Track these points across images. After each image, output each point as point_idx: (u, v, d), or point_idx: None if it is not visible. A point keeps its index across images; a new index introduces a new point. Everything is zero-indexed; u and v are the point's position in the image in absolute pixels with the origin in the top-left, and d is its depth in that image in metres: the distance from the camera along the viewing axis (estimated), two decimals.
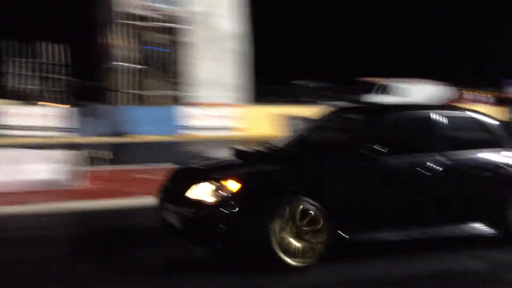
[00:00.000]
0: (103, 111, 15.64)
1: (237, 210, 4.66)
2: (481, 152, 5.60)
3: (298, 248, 4.71)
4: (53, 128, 17.48)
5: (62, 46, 23.51)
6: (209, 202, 4.71)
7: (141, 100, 23.29)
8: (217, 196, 4.70)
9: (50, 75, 23.65)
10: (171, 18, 23.53)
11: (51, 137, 16.22)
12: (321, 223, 4.75)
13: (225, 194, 4.69)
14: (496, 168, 5.52)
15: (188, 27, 23.28)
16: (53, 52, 23.62)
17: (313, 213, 4.74)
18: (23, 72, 24.82)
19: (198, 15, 23.14)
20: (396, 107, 6.67)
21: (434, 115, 5.54)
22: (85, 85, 25.40)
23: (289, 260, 4.66)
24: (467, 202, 5.40)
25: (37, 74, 24.49)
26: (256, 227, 4.61)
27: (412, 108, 6.29)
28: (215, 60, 22.93)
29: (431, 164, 5.23)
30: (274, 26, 35.35)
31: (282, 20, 37.83)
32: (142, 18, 23.25)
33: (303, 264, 4.75)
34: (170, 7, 23.33)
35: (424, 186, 5.26)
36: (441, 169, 5.24)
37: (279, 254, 4.64)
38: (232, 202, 4.68)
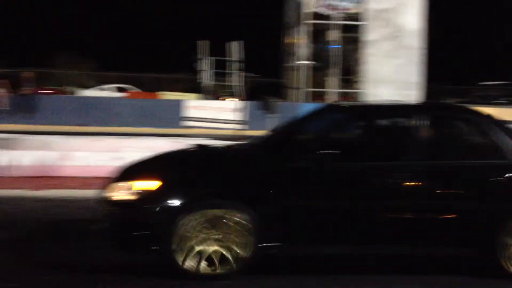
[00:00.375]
0: (279, 106, 16.39)
1: (146, 211, 4.31)
2: (469, 163, 4.67)
3: (212, 255, 4.26)
4: (230, 121, 18.69)
5: (246, 44, 25.09)
6: (121, 201, 4.39)
7: (317, 97, 23.86)
8: (130, 194, 4.36)
9: (235, 72, 25.44)
10: (351, 16, 23.66)
11: (229, 129, 17.34)
12: (247, 231, 4.25)
13: (139, 193, 4.33)
14: (485, 183, 4.56)
15: (367, 24, 23.15)
16: (239, 50, 25.34)
17: (236, 219, 4.25)
18: (212, 69, 27.06)
19: (376, 11, 22.87)
20: (372, 107, 5.69)
21: (417, 118, 4.68)
22: (265, 81, 26.85)
23: (190, 267, 4.26)
24: (440, 221, 4.52)
25: (225, 70, 26.57)
26: (164, 230, 4.22)
27: (391, 109, 5.38)
28: (392, 57, 22.43)
29: (396, 175, 4.51)
30: (452, 22, 33.26)
31: (461, 14, 35.41)
32: (324, 17, 23.75)
33: (217, 273, 4.29)
34: (351, 5, 23.46)
35: (381, 199, 4.50)
36: (409, 181, 4.48)
37: (182, 260, 4.23)
38: (143, 202, 4.32)
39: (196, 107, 19.48)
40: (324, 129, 4.86)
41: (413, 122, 4.70)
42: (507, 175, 4.53)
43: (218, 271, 4.26)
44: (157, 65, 33.95)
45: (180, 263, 4.23)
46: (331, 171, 4.44)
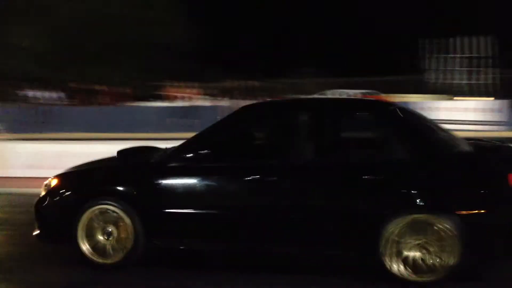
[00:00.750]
0: None
1: (47, 206, 4.93)
2: (352, 160, 4.45)
3: (106, 247, 4.76)
4: (477, 122, 17.45)
5: (488, 39, 23.35)
6: (41, 196, 5.07)
7: None
8: (44, 190, 5.06)
9: (475, 69, 23.81)
10: None
11: (476, 131, 16.13)
12: (128, 225, 4.68)
13: (46, 190, 5.03)
14: (365, 181, 4.32)
15: None
16: (477, 46, 23.68)
17: (119, 215, 4.71)
18: (444, 67, 25.75)
19: None
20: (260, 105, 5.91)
21: (306, 115, 4.74)
22: None
23: (94, 258, 4.78)
24: (316, 220, 4.37)
25: (459, 68, 25.07)
26: (62, 224, 4.86)
27: (274, 105, 5.76)
28: None
29: (266, 174, 4.50)
30: None
31: None
32: None
33: (109, 263, 4.75)
34: None
35: (249, 198, 4.54)
36: (280, 180, 4.47)
37: (84, 251, 4.78)
38: (46, 198, 4.96)
39: (447, 109, 18.48)
40: (215, 129, 4.93)
41: (302, 119, 4.74)
42: (386, 172, 4.31)
43: (108, 261, 4.76)
44: (378, 67, 33.58)
45: (82, 249, 4.79)
46: (202, 170, 4.64)
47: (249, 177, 4.56)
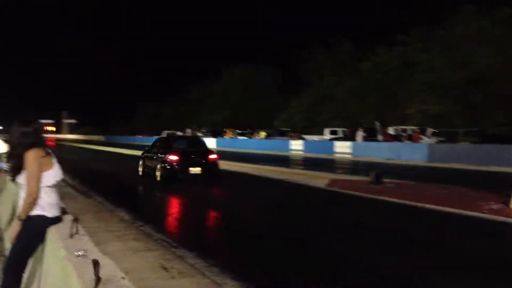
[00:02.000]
0: None
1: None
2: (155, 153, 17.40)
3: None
4: None
5: None
6: None
7: None
8: None
9: None
10: None
11: None
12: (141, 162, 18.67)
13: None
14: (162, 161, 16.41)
15: None
16: None
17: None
18: None
19: None
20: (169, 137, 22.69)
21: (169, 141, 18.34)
22: None
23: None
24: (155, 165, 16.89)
25: None
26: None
27: (166, 138, 19.97)
28: None
29: (155, 157, 17.01)
30: None
31: None
32: None
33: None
34: None
35: (154, 162, 16.89)
36: (156, 158, 16.82)
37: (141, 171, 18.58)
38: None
39: None
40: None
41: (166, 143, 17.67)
42: (158, 156, 16.84)
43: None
44: None
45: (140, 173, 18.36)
46: (148, 155, 17.87)
47: (155, 157, 16.87)
